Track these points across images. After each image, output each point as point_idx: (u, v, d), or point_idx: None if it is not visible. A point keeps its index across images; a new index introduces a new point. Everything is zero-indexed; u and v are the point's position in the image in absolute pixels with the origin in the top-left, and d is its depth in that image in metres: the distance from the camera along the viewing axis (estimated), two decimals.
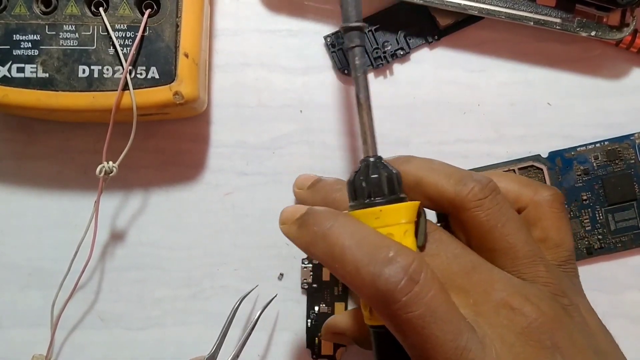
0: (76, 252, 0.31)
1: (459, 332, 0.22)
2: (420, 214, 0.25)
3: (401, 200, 0.25)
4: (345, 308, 0.33)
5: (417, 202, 0.25)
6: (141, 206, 0.33)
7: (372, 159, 0.26)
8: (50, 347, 0.32)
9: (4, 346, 0.32)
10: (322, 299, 0.33)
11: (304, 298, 0.33)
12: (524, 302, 0.23)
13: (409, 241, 0.24)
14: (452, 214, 0.26)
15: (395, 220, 0.24)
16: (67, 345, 0.32)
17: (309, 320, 0.33)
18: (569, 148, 0.33)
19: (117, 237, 0.33)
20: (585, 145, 0.33)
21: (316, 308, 0.32)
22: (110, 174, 0.29)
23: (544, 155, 0.33)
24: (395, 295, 0.22)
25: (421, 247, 0.24)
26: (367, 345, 0.29)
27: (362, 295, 0.23)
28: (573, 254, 0.27)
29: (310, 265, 0.32)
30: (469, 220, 0.25)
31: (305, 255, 0.32)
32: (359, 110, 0.27)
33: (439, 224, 0.27)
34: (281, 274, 0.33)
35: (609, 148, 0.33)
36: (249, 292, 0.32)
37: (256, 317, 0.31)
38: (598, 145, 0.33)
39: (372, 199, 0.25)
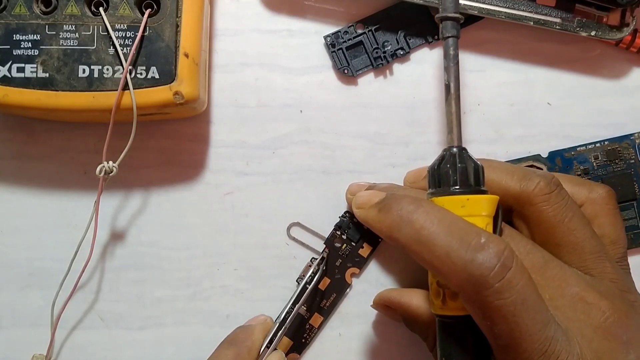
0: (76, 252, 0.31)
1: (547, 322, 0.22)
2: (498, 209, 0.25)
3: (484, 193, 0.25)
4: (322, 323, 0.32)
5: (497, 197, 0.25)
6: (141, 206, 0.33)
7: (455, 149, 0.26)
8: (50, 347, 0.32)
9: (4, 346, 0.32)
10: (306, 302, 0.31)
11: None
12: (599, 298, 0.24)
13: None
14: (516, 210, 0.26)
15: (478, 212, 0.24)
16: (67, 345, 0.32)
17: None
18: (568, 148, 0.33)
19: (117, 237, 0.33)
20: (585, 145, 0.33)
21: (296, 306, 0.32)
22: (110, 174, 0.29)
23: (544, 155, 0.33)
24: (488, 280, 0.21)
25: None
26: (415, 329, 0.28)
27: (451, 280, 0.23)
28: (626, 250, 0.27)
29: (317, 267, 0.31)
30: (535, 215, 0.25)
31: (317, 255, 0.32)
32: (448, 99, 0.26)
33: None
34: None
35: (608, 148, 0.33)
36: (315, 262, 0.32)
37: (310, 277, 0.31)
38: (598, 145, 0.33)
39: (458, 187, 0.25)
